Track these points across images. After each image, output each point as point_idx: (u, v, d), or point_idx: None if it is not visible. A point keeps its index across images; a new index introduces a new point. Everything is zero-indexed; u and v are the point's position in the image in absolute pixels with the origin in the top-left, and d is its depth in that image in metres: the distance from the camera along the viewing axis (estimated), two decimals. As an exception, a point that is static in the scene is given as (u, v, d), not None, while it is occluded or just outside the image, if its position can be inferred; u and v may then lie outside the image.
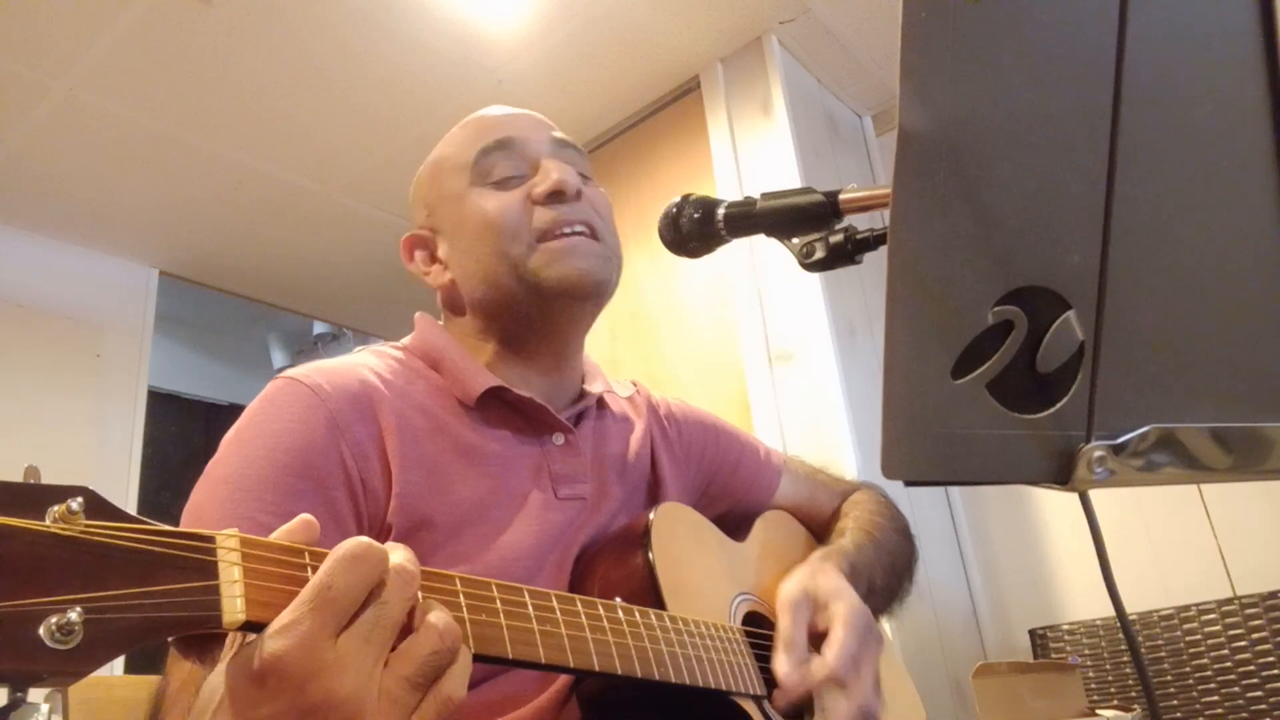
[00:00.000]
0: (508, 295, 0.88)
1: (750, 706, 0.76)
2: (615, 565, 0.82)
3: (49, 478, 0.42)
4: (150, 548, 0.43)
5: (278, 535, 0.50)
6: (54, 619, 0.39)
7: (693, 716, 0.76)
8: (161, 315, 3.34)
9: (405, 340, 0.95)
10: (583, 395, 0.97)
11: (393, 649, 0.49)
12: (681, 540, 0.86)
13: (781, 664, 0.81)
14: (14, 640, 0.38)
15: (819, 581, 0.89)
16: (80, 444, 2.89)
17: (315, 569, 0.48)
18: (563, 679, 0.80)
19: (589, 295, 0.88)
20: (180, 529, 0.45)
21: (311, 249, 3.34)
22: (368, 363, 0.86)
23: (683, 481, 1.03)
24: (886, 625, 1.18)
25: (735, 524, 0.99)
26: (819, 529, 1.13)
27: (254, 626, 0.46)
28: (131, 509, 0.45)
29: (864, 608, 0.88)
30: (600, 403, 0.99)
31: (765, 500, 1.10)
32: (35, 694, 0.40)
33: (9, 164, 2.69)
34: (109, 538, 0.42)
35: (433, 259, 0.95)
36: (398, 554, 0.51)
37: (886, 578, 1.02)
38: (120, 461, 2.99)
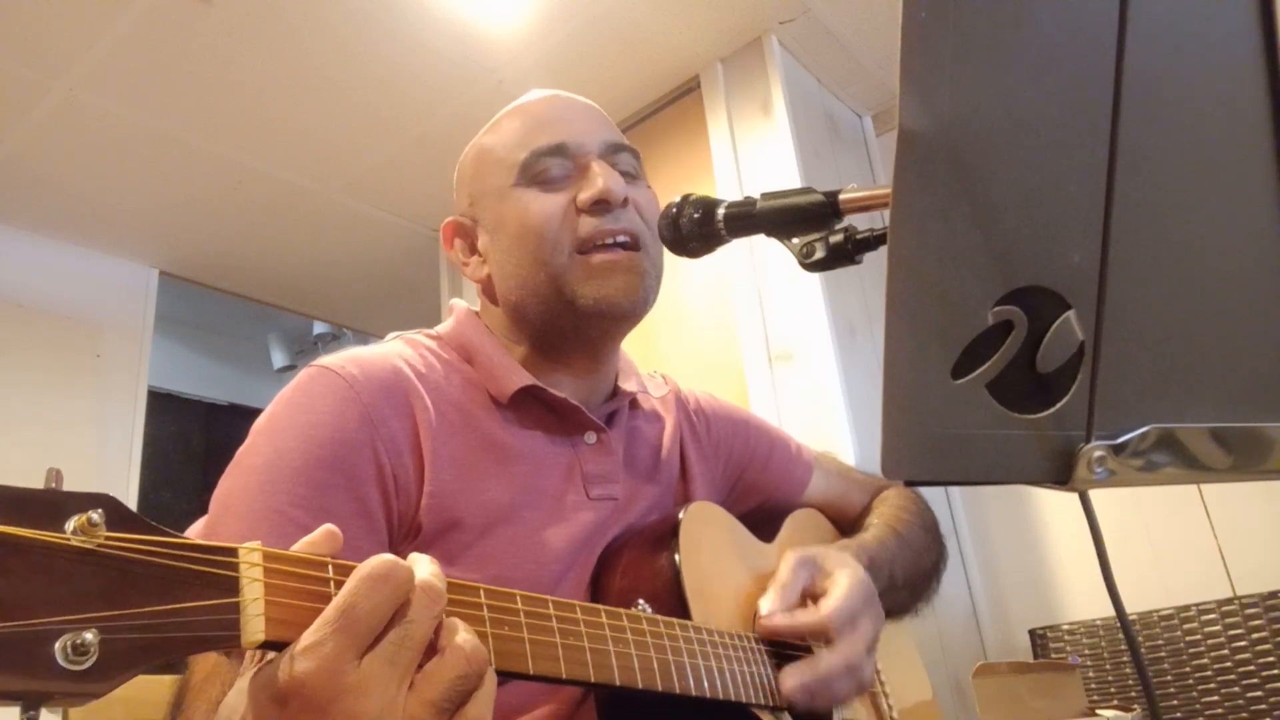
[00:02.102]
0: (543, 303, 0.86)
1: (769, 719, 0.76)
2: (641, 563, 0.81)
3: (50, 478, 0.41)
4: (172, 563, 0.42)
5: (300, 546, 0.49)
6: (68, 638, 0.38)
7: None
8: (161, 315, 3.34)
9: (440, 328, 0.94)
10: (616, 393, 0.95)
11: (419, 668, 0.48)
12: (709, 542, 0.85)
13: (767, 601, 0.80)
14: (27, 660, 0.37)
15: (828, 553, 0.88)
16: (80, 444, 2.89)
17: (338, 583, 0.47)
18: (572, 690, 0.78)
19: (624, 316, 0.87)
20: (203, 542, 0.44)
21: (311, 249, 3.34)
22: (402, 353, 0.85)
23: (712, 478, 1.02)
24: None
25: (765, 519, 0.98)
26: (849, 527, 1.11)
27: (274, 645, 0.45)
28: (131, 509, 0.43)
29: (869, 581, 0.86)
30: (632, 402, 0.97)
31: (796, 496, 1.08)
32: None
33: (9, 164, 2.69)
34: (130, 552, 0.41)
35: (471, 250, 0.93)
36: (423, 569, 0.50)
37: (909, 573, 1.00)
38: (120, 461, 2.99)
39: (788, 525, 1.01)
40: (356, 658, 0.45)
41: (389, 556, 0.48)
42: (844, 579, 0.84)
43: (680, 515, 0.82)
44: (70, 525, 0.39)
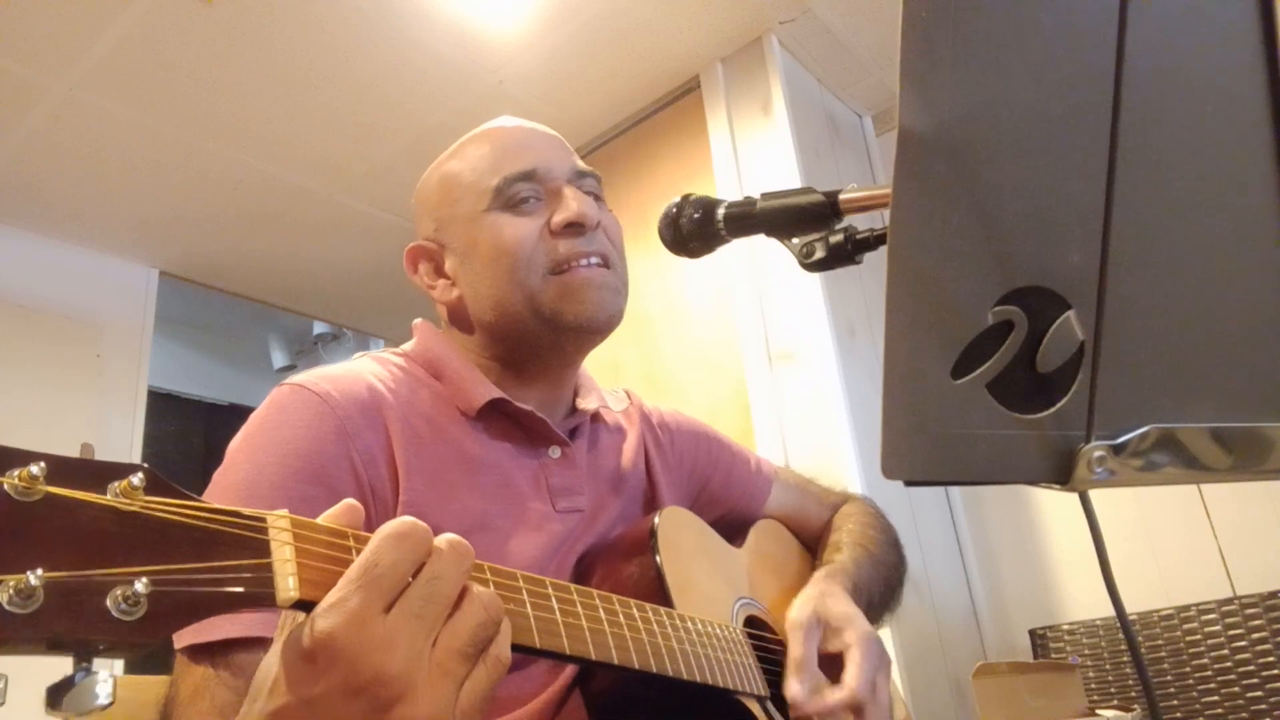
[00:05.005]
0: (518, 322, 0.89)
1: (754, 706, 0.77)
2: (621, 567, 0.83)
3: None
4: (207, 525, 0.44)
5: (324, 519, 0.51)
6: (120, 590, 0.39)
7: (697, 714, 0.77)
8: (161, 315, 3.34)
9: (406, 347, 0.96)
10: (575, 411, 0.97)
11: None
12: (685, 543, 0.87)
13: (794, 686, 0.82)
14: (81, 610, 0.38)
15: (829, 605, 0.90)
16: (80, 444, 2.89)
17: (358, 550, 0.49)
18: (562, 679, 0.80)
19: (600, 330, 0.89)
20: (233, 508, 0.46)
21: (311, 249, 3.34)
22: (372, 370, 0.87)
23: (677, 489, 1.04)
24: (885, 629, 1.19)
25: (726, 532, 1.00)
26: (809, 538, 1.15)
27: (306, 605, 0.47)
28: (165, 477, 0.45)
29: (874, 633, 0.89)
30: (594, 416, 1.00)
31: (757, 509, 1.11)
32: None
33: (9, 164, 2.69)
34: (168, 513, 0.43)
35: (439, 273, 0.95)
36: (448, 533, 0.52)
37: (883, 593, 1.04)
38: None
39: (753, 533, 1.04)
40: (381, 612, 0.47)
41: (409, 518, 0.50)
42: (855, 642, 0.87)
43: (655, 519, 0.84)
44: (112, 489, 0.42)
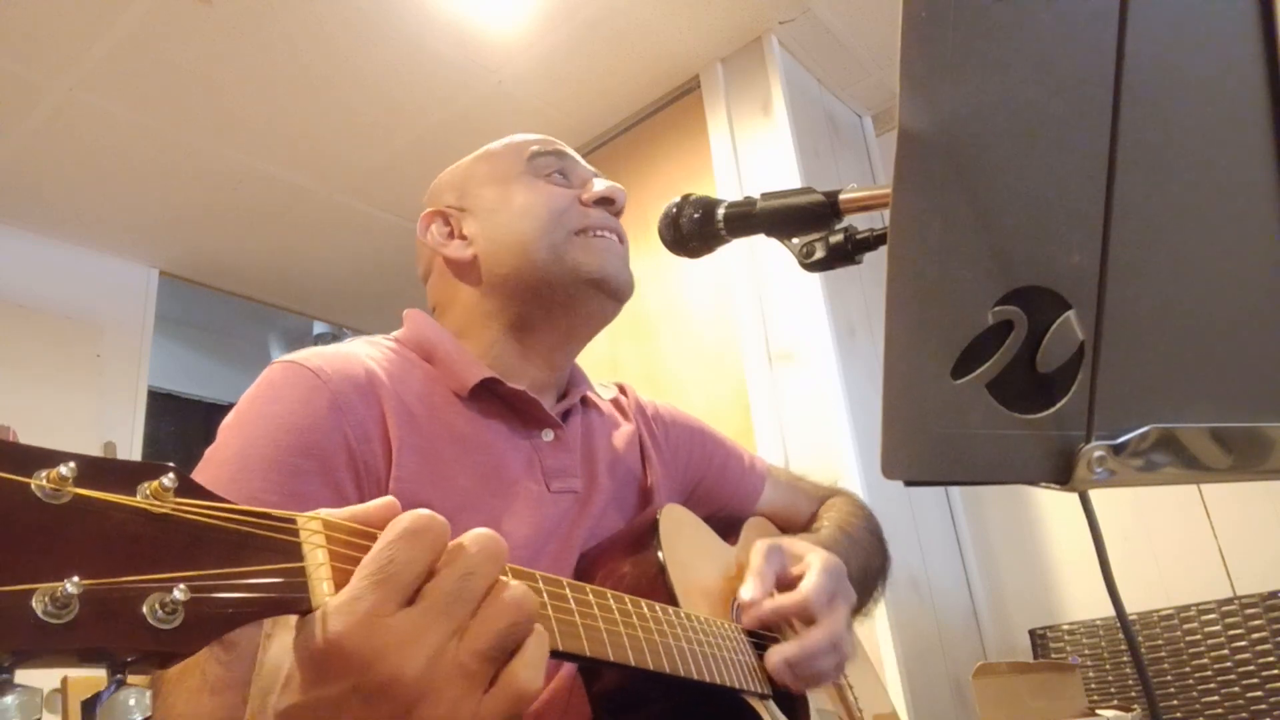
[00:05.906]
0: (537, 271, 0.91)
1: (758, 705, 0.77)
2: (624, 564, 0.83)
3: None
4: (238, 527, 0.42)
5: (355, 514, 0.48)
6: (157, 597, 0.38)
7: (701, 712, 0.77)
8: (161, 315, 3.34)
9: (397, 333, 0.96)
10: (567, 394, 0.98)
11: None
12: (686, 541, 0.87)
13: (747, 588, 0.83)
14: (118, 619, 0.36)
15: (794, 540, 0.94)
16: (80, 444, 2.89)
17: None
18: (566, 675, 0.80)
19: (612, 292, 0.92)
20: (264, 509, 0.44)
21: (311, 249, 3.34)
22: (365, 351, 0.87)
23: (671, 481, 1.04)
24: (886, 622, 1.19)
25: (717, 529, 1.00)
26: (797, 532, 1.14)
27: None
28: (193, 477, 0.43)
29: (838, 561, 0.89)
30: (586, 401, 1.01)
31: (749, 506, 1.12)
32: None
33: (9, 164, 2.69)
34: (201, 516, 0.41)
35: (453, 235, 0.97)
36: (481, 529, 0.49)
37: (859, 571, 1.04)
38: (120, 461, 2.99)
39: (745, 532, 1.04)
40: (396, 612, 0.44)
41: (426, 511, 0.47)
42: (816, 560, 0.88)
43: (658, 515, 0.84)
44: (142, 490, 0.40)
